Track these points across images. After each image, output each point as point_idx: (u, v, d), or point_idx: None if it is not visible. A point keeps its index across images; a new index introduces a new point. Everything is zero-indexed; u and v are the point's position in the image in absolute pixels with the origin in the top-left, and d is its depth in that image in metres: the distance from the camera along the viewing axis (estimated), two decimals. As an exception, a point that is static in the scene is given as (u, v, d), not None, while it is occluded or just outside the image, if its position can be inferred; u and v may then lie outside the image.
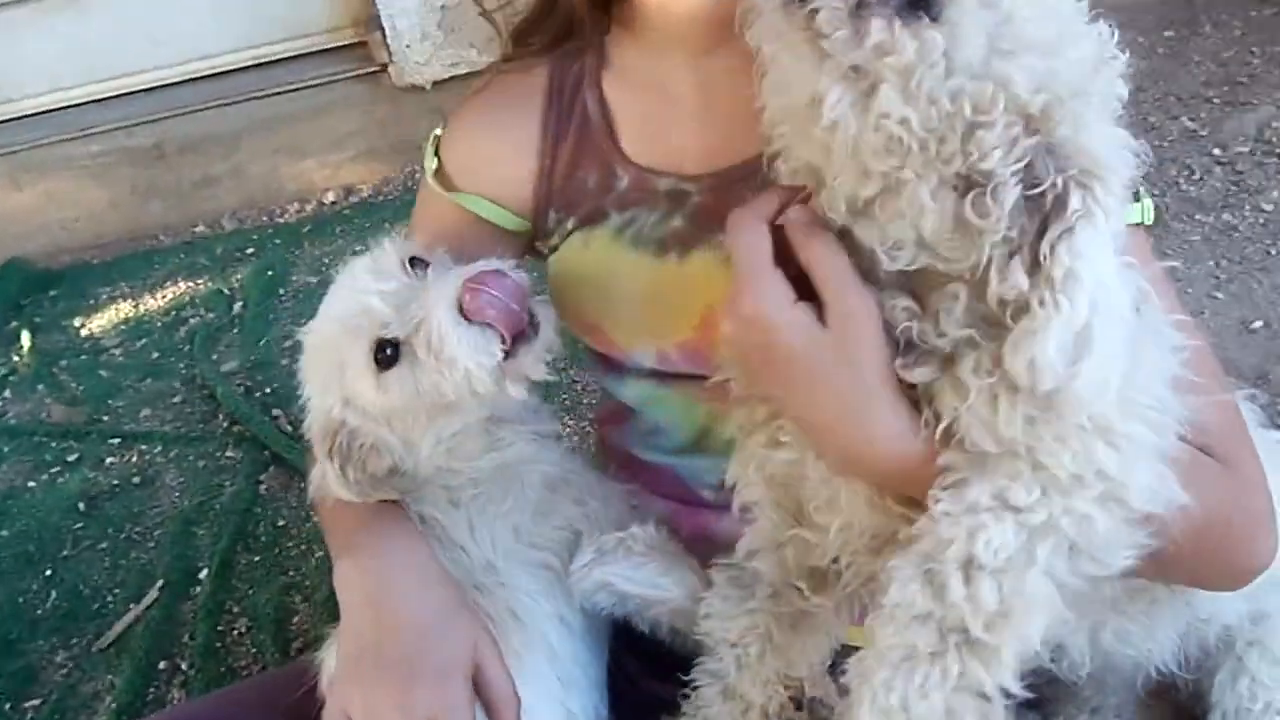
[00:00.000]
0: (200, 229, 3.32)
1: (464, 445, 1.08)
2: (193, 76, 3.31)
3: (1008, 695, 0.72)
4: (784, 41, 0.70)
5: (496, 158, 1.14)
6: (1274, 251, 2.29)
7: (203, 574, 1.96)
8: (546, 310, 1.01)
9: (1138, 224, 0.90)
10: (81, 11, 3.21)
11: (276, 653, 1.75)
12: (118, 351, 2.77)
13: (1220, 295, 2.21)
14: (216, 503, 2.13)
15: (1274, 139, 2.71)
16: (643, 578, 1.06)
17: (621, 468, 1.22)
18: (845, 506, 0.83)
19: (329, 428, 1.03)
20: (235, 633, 1.83)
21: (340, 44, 3.34)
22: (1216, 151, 2.69)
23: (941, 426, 0.73)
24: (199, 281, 3.02)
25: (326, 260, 2.98)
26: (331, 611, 1.76)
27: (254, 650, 1.78)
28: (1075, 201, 0.65)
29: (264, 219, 3.31)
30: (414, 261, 1.02)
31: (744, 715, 1.01)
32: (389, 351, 0.98)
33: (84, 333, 2.89)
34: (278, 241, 3.15)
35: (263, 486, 2.16)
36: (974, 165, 0.66)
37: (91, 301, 3.02)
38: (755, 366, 0.83)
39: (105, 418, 2.48)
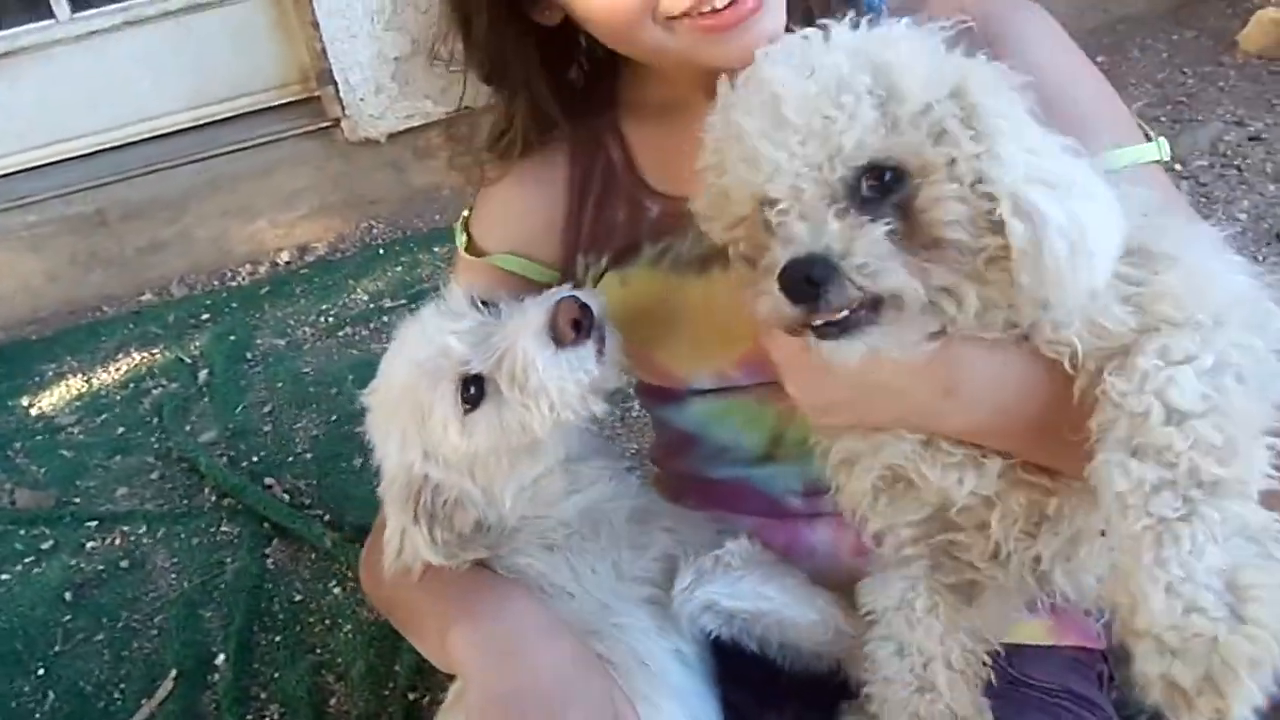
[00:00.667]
0: (147, 297, 3.19)
1: (547, 490, 1.04)
2: (134, 140, 3.20)
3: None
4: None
5: (524, 213, 1.15)
6: (1261, 257, 2.38)
7: (219, 659, 1.82)
8: (607, 323, 0.99)
9: (1155, 160, 0.96)
10: (11, 76, 3.07)
11: (318, 737, 1.64)
12: (76, 429, 2.61)
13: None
14: (220, 582, 2.00)
15: (1228, 151, 2.84)
16: (745, 591, 1.02)
17: (694, 495, 1.18)
18: (997, 497, 0.81)
19: (412, 486, 0.98)
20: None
21: (288, 100, 3.26)
22: (1179, 167, 2.80)
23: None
24: (153, 351, 2.89)
25: (291, 322, 2.88)
26: (373, 687, 1.69)
27: (293, 737, 1.67)
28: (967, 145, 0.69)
29: (215, 283, 3.19)
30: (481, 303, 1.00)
31: (925, 669, 0.94)
32: (473, 390, 0.95)
33: (34, 412, 2.72)
34: (234, 305, 3.03)
35: (269, 561, 2.03)
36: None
37: (37, 379, 2.86)
38: (832, 407, 0.86)
39: (77, 500, 2.33)
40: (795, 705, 1.07)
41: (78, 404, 2.72)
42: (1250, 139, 2.85)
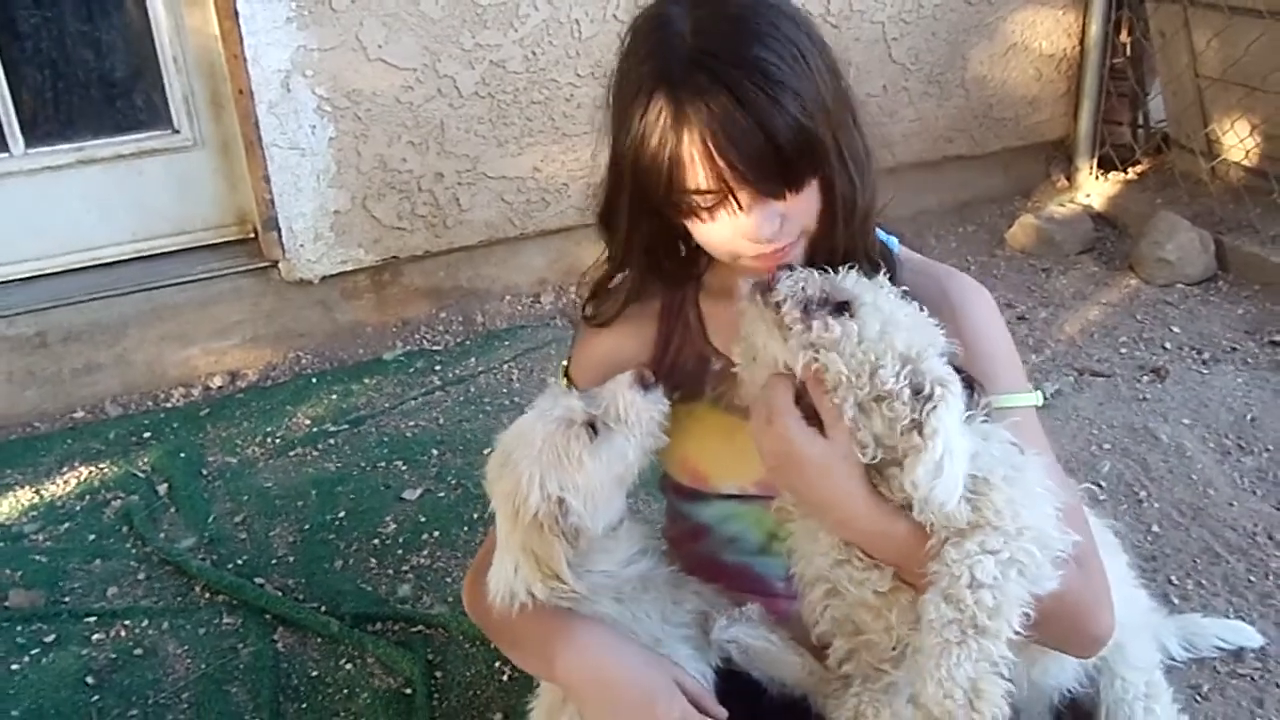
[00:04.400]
0: (80, 414, 3.39)
1: (619, 547, 1.49)
2: (77, 266, 3.46)
3: (1010, 666, 1.17)
4: (755, 323, 1.30)
5: (621, 360, 1.57)
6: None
7: (254, 726, 2.14)
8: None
9: (1032, 405, 1.41)
10: (-40, 203, 3.29)
11: (360, 783, 2.00)
12: (40, 536, 2.79)
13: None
14: (237, 663, 2.29)
15: (1010, 319, 3.66)
16: (759, 635, 1.51)
17: (702, 573, 1.65)
18: (895, 617, 1.31)
19: (551, 514, 1.38)
20: (311, 772, 2.05)
21: (225, 240, 3.62)
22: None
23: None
24: (100, 465, 3.09)
25: (239, 442, 3.17)
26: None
27: (338, 785, 2.01)
28: (937, 393, 1.18)
29: (149, 404, 3.44)
30: None
31: None
32: (593, 429, 1.41)
33: (-14, 521, 2.88)
34: (175, 425, 3.29)
35: (279, 644, 2.34)
36: (877, 388, 1.22)
37: (-21, 490, 3.01)
38: (782, 466, 1.28)
39: (68, 599, 2.54)
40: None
41: (34, 513, 2.89)
42: (1018, 319, 3.67)
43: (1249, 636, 2.15)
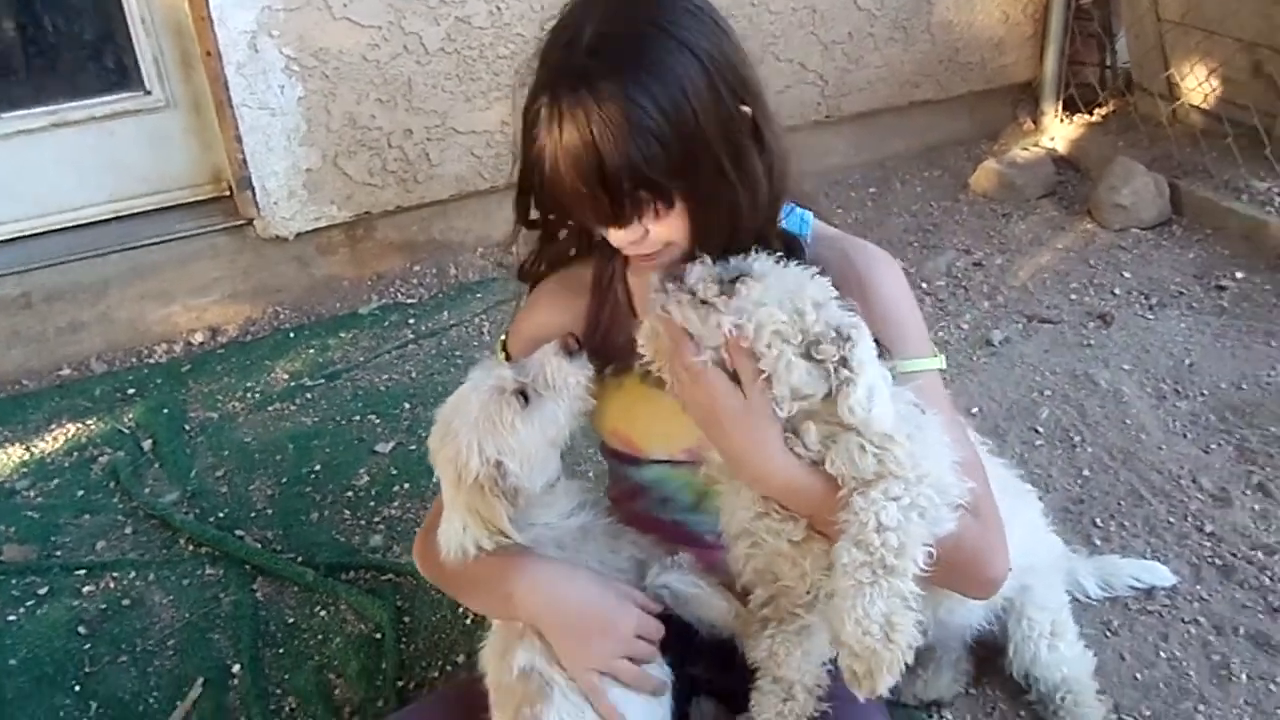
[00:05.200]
0: (66, 371, 3.51)
1: (557, 501, 1.61)
2: (57, 228, 3.55)
3: (918, 600, 1.30)
4: (671, 310, 1.38)
5: (555, 327, 1.66)
6: (975, 358, 3.25)
7: (235, 669, 2.28)
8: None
9: (936, 369, 1.50)
10: (-61, 167, 3.37)
11: (332, 717, 2.13)
12: (31, 493, 2.93)
13: (948, 391, 3.10)
14: (219, 611, 2.44)
15: (959, 275, 3.74)
16: (690, 581, 1.64)
17: (641, 526, 1.77)
18: (809, 564, 1.44)
19: (490, 476, 1.49)
20: (287, 709, 2.18)
21: (200, 199, 3.71)
22: (924, 285, 3.68)
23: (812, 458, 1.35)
24: (87, 422, 3.22)
25: (219, 397, 3.30)
26: (367, 681, 2.25)
27: (311, 719, 2.16)
28: (854, 335, 1.29)
29: (133, 360, 3.55)
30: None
31: (789, 690, 1.56)
32: (523, 397, 1.52)
33: (-20, 478, 3.02)
34: (158, 381, 3.41)
35: (258, 593, 2.49)
36: (806, 335, 1.32)
37: (-31, 448, 3.14)
38: (708, 419, 1.37)
39: (59, 553, 2.68)
40: (705, 662, 1.70)
41: (24, 470, 3.02)
42: (974, 265, 3.76)
43: (1162, 576, 2.29)
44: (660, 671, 1.58)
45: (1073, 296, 3.55)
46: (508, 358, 1.70)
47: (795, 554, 1.44)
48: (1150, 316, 3.38)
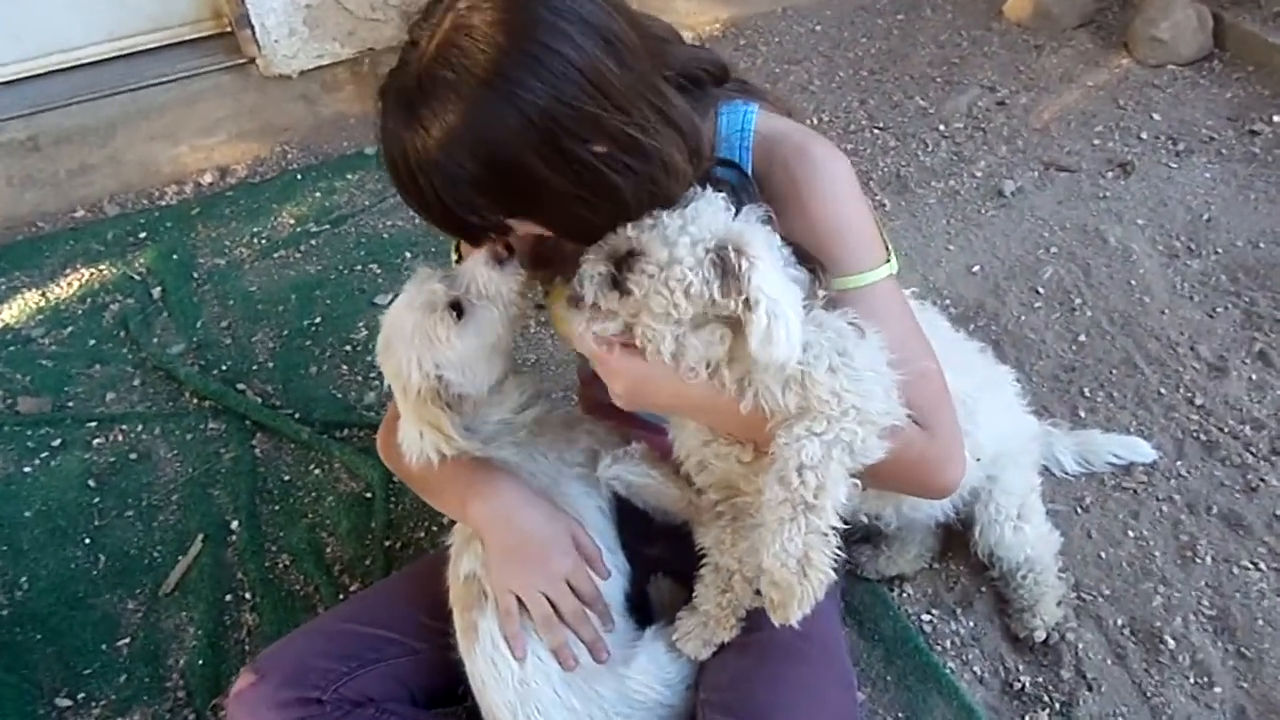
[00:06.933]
0: (80, 214, 3.54)
1: (508, 398, 1.60)
2: (59, 68, 3.51)
3: (838, 534, 1.31)
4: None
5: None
6: (984, 210, 3.12)
7: (234, 525, 2.39)
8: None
9: (888, 275, 1.41)
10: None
11: (323, 575, 2.24)
12: (46, 340, 3.01)
13: (951, 247, 2.98)
14: (220, 467, 2.54)
15: (979, 115, 3.55)
16: (640, 471, 1.65)
17: (600, 413, 1.78)
18: (761, 480, 1.41)
19: (432, 388, 1.49)
20: (280, 565, 2.30)
21: (203, 35, 3.62)
22: (941, 127, 3.50)
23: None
24: (100, 267, 3.26)
25: (227, 243, 3.31)
26: (357, 539, 2.32)
27: (303, 576, 2.26)
28: (743, 264, 1.21)
29: (145, 202, 3.56)
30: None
31: (729, 578, 1.59)
32: (457, 310, 1.48)
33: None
34: (169, 224, 3.42)
35: (257, 450, 2.58)
36: (695, 303, 1.24)
37: (-8, 293, 3.21)
38: (636, 394, 1.37)
39: (71, 404, 2.77)
40: (662, 543, 1.71)
41: (40, 317, 3.09)
42: (997, 104, 3.55)
43: (1143, 451, 2.24)
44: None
45: (1095, 142, 3.35)
46: (459, 259, 1.68)
47: (747, 471, 1.45)
48: (1173, 165, 3.19)
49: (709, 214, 1.26)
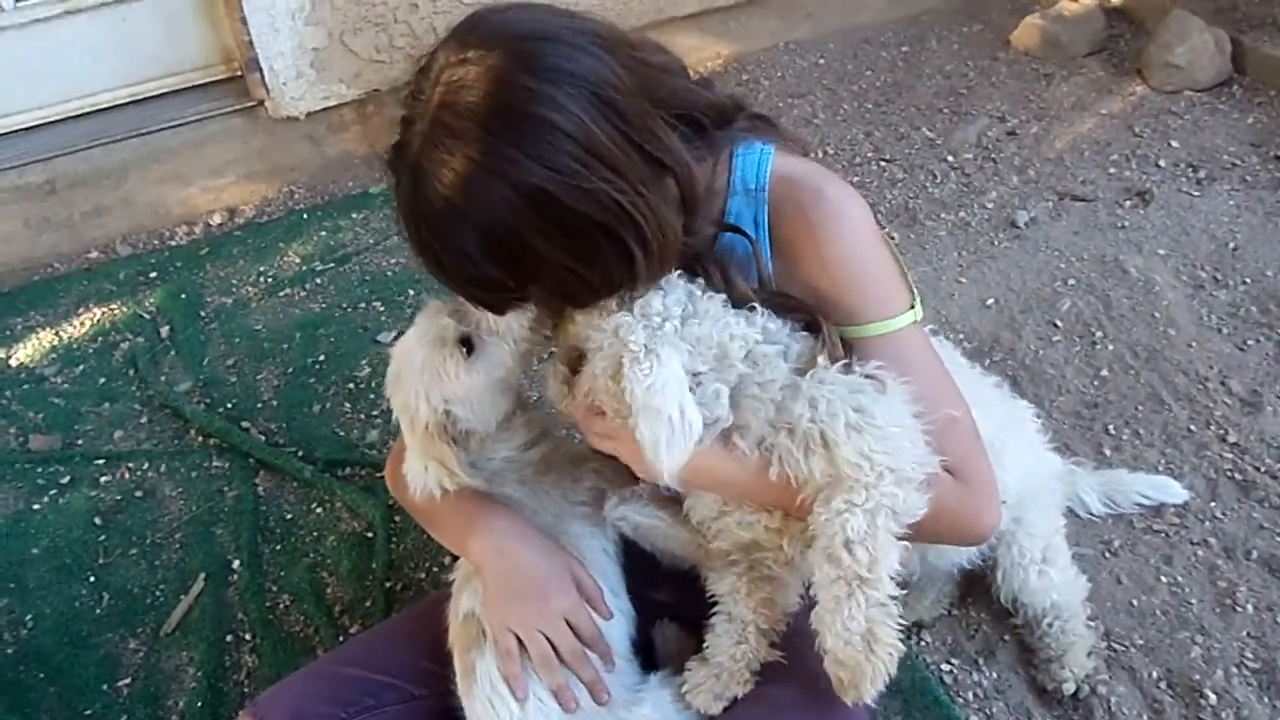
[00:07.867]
0: (94, 255, 3.60)
1: (514, 436, 1.62)
2: (76, 114, 3.59)
3: (898, 601, 1.29)
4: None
5: None
6: (997, 242, 3.13)
7: (235, 564, 2.42)
8: None
9: (912, 322, 1.37)
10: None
11: (323, 615, 2.27)
12: (59, 379, 3.06)
13: (963, 280, 2.97)
14: (223, 506, 2.58)
15: (989, 145, 3.56)
16: (648, 513, 1.63)
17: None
18: (787, 543, 1.42)
19: (440, 423, 1.51)
20: (281, 606, 2.33)
21: (214, 79, 3.70)
22: (950, 158, 3.51)
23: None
24: (112, 306, 3.32)
25: (234, 282, 3.37)
26: (358, 580, 2.35)
27: (303, 616, 2.29)
28: (626, 367, 1.22)
29: (156, 242, 3.62)
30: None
31: (743, 630, 1.55)
32: (467, 346, 1.50)
33: (14, 363, 3.13)
34: (178, 264, 3.48)
35: (260, 488, 2.62)
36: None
37: (8, 332, 3.25)
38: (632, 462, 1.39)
39: (80, 442, 2.82)
40: (669, 587, 1.69)
41: (53, 355, 3.14)
42: (1008, 134, 3.54)
43: (1174, 492, 2.15)
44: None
45: (1111, 170, 3.34)
46: None
47: (773, 536, 1.42)
48: (1195, 193, 3.15)
49: (649, 311, 1.27)
